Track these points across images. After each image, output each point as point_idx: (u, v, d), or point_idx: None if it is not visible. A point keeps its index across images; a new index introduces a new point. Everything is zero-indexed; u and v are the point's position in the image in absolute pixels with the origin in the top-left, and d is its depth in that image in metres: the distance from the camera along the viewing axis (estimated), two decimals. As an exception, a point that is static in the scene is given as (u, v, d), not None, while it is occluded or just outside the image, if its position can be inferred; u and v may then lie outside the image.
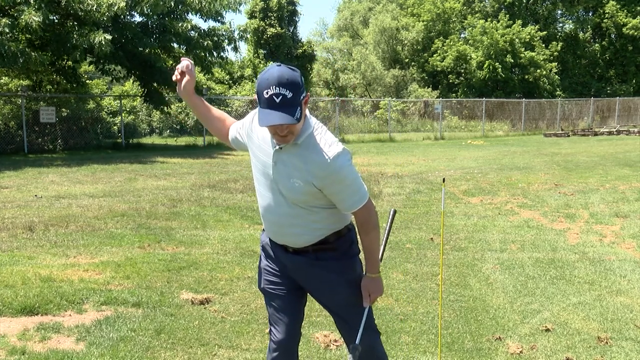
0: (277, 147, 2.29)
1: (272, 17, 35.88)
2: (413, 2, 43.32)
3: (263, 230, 2.63)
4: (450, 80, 39.75)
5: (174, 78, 2.51)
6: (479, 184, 10.89)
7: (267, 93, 2.12)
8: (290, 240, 2.44)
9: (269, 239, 2.56)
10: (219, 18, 20.89)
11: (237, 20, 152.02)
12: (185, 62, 2.49)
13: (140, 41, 18.56)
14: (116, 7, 16.23)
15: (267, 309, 2.62)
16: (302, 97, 2.16)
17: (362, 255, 2.50)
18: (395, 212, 2.81)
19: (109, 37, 16.12)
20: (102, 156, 17.36)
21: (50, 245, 6.12)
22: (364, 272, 2.50)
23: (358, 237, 2.48)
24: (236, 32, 22.10)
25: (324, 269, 2.44)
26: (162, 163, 15.34)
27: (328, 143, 2.27)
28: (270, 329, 2.59)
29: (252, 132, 2.46)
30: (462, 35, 42.04)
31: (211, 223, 7.39)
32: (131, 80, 24.83)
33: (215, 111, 2.67)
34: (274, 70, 2.16)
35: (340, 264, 2.45)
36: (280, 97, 2.10)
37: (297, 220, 2.37)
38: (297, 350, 2.63)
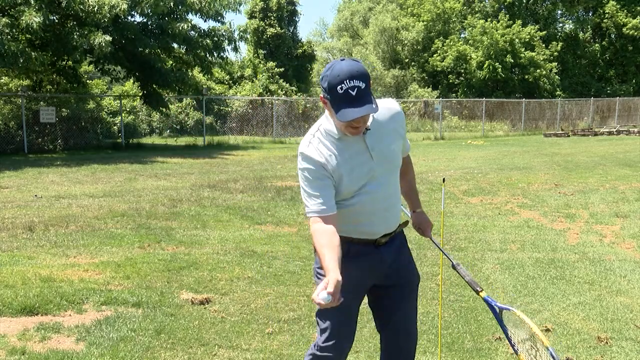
0: (367, 133, 2.31)
1: (272, 17, 35.89)
2: (413, 2, 43.29)
3: (350, 241, 2.41)
4: (450, 80, 39.74)
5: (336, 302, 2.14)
6: (479, 184, 10.89)
7: (341, 89, 2.12)
8: (394, 222, 2.47)
9: (351, 245, 2.41)
10: (219, 18, 20.91)
11: (237, 20, 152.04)
12: (324, 295, 2.08)
13: (140, 41, 18.57)
14: (118, 9, 16.24)
15: (328, 319, 2.45)
16: (370, 85, 2.21)
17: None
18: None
19: (109, 38, 16.13)
20: (102, 156, 17.36)
21: (50, 245, 6.12)
22: (414, 211, 2.73)
23: (400, 182, 2.57)
24: (236, 32, 22.12)
25: (406, 248, 2.58)
26: (162, 163, 15.35)
27: (383, 99, 2.45)
28: (326, 340, 2.46)
29: (324, 157, 2.30)
30: (462, 35, 42.03)
31: (211, 223, 7.40)
32: (131, 81, 24.84)
33: (336, 247, 2.23)
34: (341, 65, 2.16)
35: (407, 244, 2.63)
36: (356, 89, 2.13)
37: (396, 192, 2.48)
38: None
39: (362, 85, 2.13)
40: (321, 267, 2.43)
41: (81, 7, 16.04)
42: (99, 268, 5.30)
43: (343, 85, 2.12)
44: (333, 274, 2.09)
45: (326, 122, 2.34)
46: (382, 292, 2.55)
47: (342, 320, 2.46)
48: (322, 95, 2.25)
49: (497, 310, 2.50)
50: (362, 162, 2.31)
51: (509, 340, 2.47)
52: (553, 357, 2.19)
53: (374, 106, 2.15)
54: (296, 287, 4.86)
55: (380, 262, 2.47)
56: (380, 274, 2.51)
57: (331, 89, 2.14)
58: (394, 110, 2.41)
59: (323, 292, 2.06)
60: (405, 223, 2.59)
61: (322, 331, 2.48)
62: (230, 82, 35.22)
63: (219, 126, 27.33)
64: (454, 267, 2.66)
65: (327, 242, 2.21)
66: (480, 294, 2.52)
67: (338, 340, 2.46)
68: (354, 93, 2.12)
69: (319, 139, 2.33)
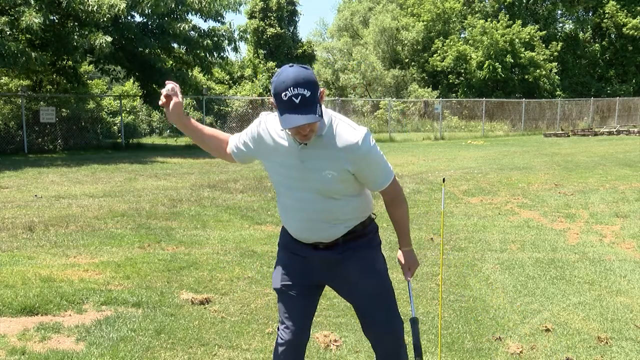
0: (302, 145, 2.28)
1: (272, 17, 35.88)
2: (413, 2, 43.30)
3: (282, 232, 2.60)
4: (450, 80, 39.74)
5: (160, 103, 2.44)
6: (479, 184, 10.89)
7: (285, 95, 2.11)
8: (322, 236, 2.43)
9: (295, 240, 2.52)
10: (219, 18, 20.91)
11: (237, 20, 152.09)
12: (170, 85, 2.42)
13: (140, 42, 18.58)
14: (117, 9, 16.24)
15: (279, 307, 2.61)
16: (319, 93, 2.18)
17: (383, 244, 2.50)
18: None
19: (109, 38, 16.13)
20: (102, 156, 17.36)
21: (50, 245, 6.12)
22: (399, 247, 2.62)
23: (387, 216, 2.57)
24: (236, 33, 22.12)
25: (356, 259, 2.47)
26: (162, 163, 15.35)
27: (352, 127, 2.31)
28: (280, 327, 2.59)
29: (263, 138, 2.42)
30: (462, 35, 42.03)
31: (211, 223, 7.40)
32: (131, 81, 24.85)
33: (207, 129, 2.61)
34: (288, 71, 2.15)
35: (369, 252, 2.51)
36: (300, 97, 2.10)
37: (329, 214, 2.39)
38: (304, 350, 2.65)
39: (307, 93, 2.11)
40: (280, 243, 2.63)
41: (81, 7, 16.05)
42: (99, 268, 5.30)
43: (287, 92, 2.11)
44: (182, 105, 2.47)
45: (271, 114, 2.45)
46: (349, 300, 2.60)
47: (288, 309, 2.56)
48: (271, 99, 2.26)
49: None
50: (287, 165, 2.36)
51: None
52: None
53: (317, 115, 2.12)
54: (296, 287, 4.86)
55: (324, 263, 2.48)
56: (329, 274, 2.52)
57: (276, 94, 2.14)
58: (348, 143, 2.26)
59: (172, 86, 2.43)
60: (364, 231, 2.50)
61: (278, 327, 2.63)
62: (230, 82, 35.23)
63: (219, 126, 27.32)
64: (411, 321, 2.58)
65: (212, 130, 2.61)
66: None
67: (286, 327, 2.55)
68: (297, 100, 2.10)
69: (273, 120, 2.41)
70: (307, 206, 2.38)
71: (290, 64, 2.20)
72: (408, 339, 2.63)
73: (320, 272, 2.52)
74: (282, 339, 2.57)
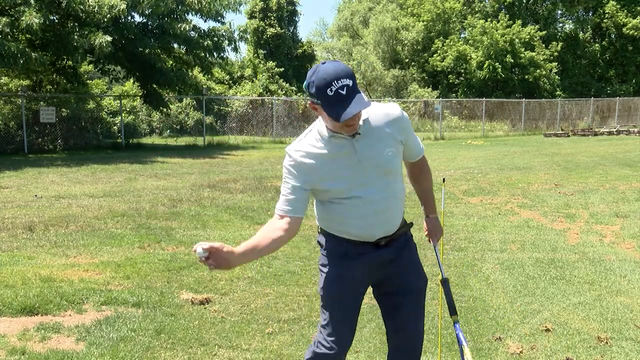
0: (356, 137, 2.31)
1: (272, 17, 35.91)
2: (413, 2, 43.31)
3: (330, 241, 2.48)
4: (450, 80, 39.75)
5: (207, 266, 2.15)
6: (479, 184, 10.89)
7: (331, 90, 2.12)
8: (387, 228, 2.43)
9: (350, 245, 2.44)
10: (219, 18, 20.92)
11: (237, 20, 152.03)
12: (199, 248, 2.09)
13: (140, 42, 18.58)
14: (117, 9, 16.24)
15: (328, 316, 2.49)
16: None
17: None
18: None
19: (109, 38, 16.13)
20: (102, 156, 17.37)
21: (50, 245, 6.12)
22: (426, 215, 2.72)
23: (414, 185, 2.69)
24: (236, 33, 22.12)
25: (410, 251, 2.55)
26: (162, 163, 15.35)
27: (382, 103, 2.43)
28: (325, 338, 2.49)
29: (306, 164, 2.33)
30: (462, 35, 42.04)
31: (211, 223, 7.40)
32: (131, 81, 24.85)
33: (258, 239, 2.28)
34: (326, 67, 2.16)
35: (413, 245, 2.60)
36: (345, 88, 2.13)
37: (391, 198, 2.42)
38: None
39: (350, 82, 2.14)
40: (324, 264, 2.51)
41: (81, 7, 16.05)
42: (99, 268, 5.30)
43: (332, 86, 2.12)
44: (226, 245, 2.15)
45: (319, 125, 2.36)
46: (388, 294, 2.55)
47: (341, 319, 2.49)
48: (311, 102, 2.24)
49: (461, 342, 2.55)
50: (348, 165, 2.32)
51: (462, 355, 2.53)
52: None
53: (365, 100, 2.16)
54: (296, 287, 4.86)
55: (381, 263, 2.47)
56: (380, 274, 2.51)
57: (320, 92, 2.14)
58: (392, 115, 2.37)
59: (201, 245, 2.07)
60: (410, 224, 2.58)
61: (323, 328, 2.51)
62: (230, 82, 35.24)
63: (219, 126, 27.34)
64: (442, 281, 2.68)
65: (259, 234, 2.29)
66: (453, 317, 2.57)
67: (337, 338, 2.48)
68: (344, 92, 2.13)
69: (308, 141, 2.36)
70: (376, 196, 2.37)
71: (323, 61, 2.22)
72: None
73: (376, 273, 2.50)
74: (328, 350, 2.48)
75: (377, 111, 2.37)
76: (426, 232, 2.77)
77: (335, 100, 2.13)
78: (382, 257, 2.47)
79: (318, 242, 2.56)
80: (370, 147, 2.32)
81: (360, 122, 2.29)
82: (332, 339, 2.48)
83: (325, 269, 2.50)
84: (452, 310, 2.58)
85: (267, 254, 2.35)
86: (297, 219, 2.34)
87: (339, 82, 2.12)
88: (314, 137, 2.35)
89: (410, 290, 2.53)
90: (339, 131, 2.26)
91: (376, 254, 2.46)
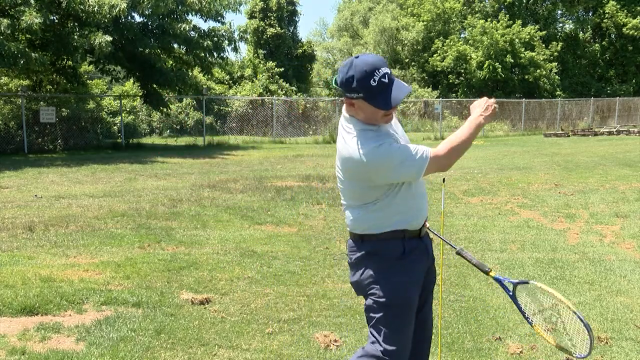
0: (390, 123, 2.36)
1: (272, 17, 35.90)
2: (413, 2, 43.29)
3: (387, 246, 2.38)
4: (450, 80, 39.73)
5: None
6: (479, 184, 10.89)
7: (374, 80, 2.14)
8: (426, 208, 2.49)
9: (405, 242, 2.39)
10: (219, 18, 20.92)
11: (237, 20, 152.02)
12: None
13: (140, 42, 18.58)
14: (117, 9, 16.24)
15: (398, 324, 2.39)
16: None
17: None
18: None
19: (109, 38, 16.13)
20: (102, 156, 17.36)
21: (50, 245, 6.12)
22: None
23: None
24: (236, 33, 22.12)
25: (431, 248, 2.56)
26: (162, 163, 15.35)
27: None
28: (403, 350, 2.41)
29: (388, 132, 2.36)
30: (462, 35, 42.02)
31: (211, 223, 7.39)
32: (131, 81, 24.84)
33: None
34: (364, 60, 2.18)
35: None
36: (387, 75, 2.16)
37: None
38: None
39: (389, 70, 2.18)
40: (384, 271, 2.37)
41: (81, 7, 16.04)
42: (99, 268, 5.30)
43: (374, 76, 2.13)
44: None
45: (358, 124, 2.28)
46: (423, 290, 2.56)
47: (408, 325, 2.41)
48: (349, 97, 2.20)
49: (510, 288, 2.51)
50: (396, 136, 2.39)
51: (523, 314, 2.50)
52: (581, 320, 2.26)
53: (405, 84, 2.21)
54: (296, 287, 4.86)
55: (427, 254, 2.49)
56: (427, 267, 2.52)
57: (364, 84, 2.14)
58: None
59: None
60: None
61: (390, 333, 2.39)
62: (230, 82, 35.23)
63: (219, 126, 27.34)
64: (458, 253, 2.62)
65: (452, 137, 2.35)
66: (490, 274, 2.53)
67: (405, 345, 2.41)
68: (386, 80, 2.15)
69: (369, 135, 2.27)
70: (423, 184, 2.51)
71: (356, 55, 2.23)
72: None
73: (429, 268, 2.53)
74: (401, 355, 2.40)
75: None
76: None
77: (381, 88, 2.14)
78: (427, 248, 2.49)
79: (367, 253, 2.40)
80: (397, 127, 2.41)
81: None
82: (398, 347, 2.38)
83: (390, 276, 2.36)
84: (483, 270, 2.56)
85: None
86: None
87: (380, 71, 2.14)
88: (369, 132, 2.27)
89: (432, 286, 2.58)
90: (377, 123, 2.26)
91: (422, 246, 2.46)
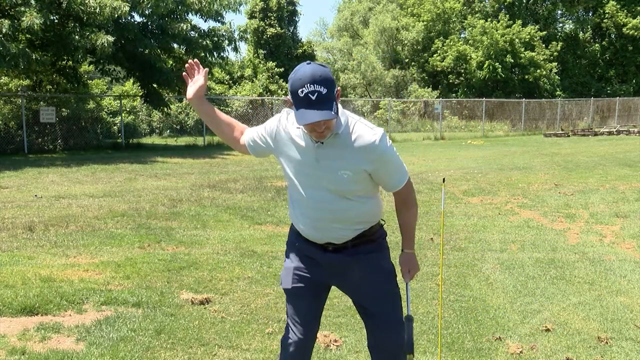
0: (318, 143, 2.28)
1: (272, 17, 35.89)
2: (413, 2, 43.30)
3: (292, 231, 2.61)
4: (450, 80, 39.75)
5: (185, 75, 2.51)
6: (479, 184, 10.89)
7: (302, 92, 2.12)
8: (332, 237, 2.42)
9: (304, 241, 2.52)
10: (219, 18, 20.91)
11: (237, 20, 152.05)
12: (204, 69, 2.54)
13: (140, 42, 18.57)
14: (119, 11, 16.23)
15: (287, 308, 2.61)
16: (335, 92, 2.19)
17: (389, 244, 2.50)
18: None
19: (111, 38, 16.12)
20: (102, 156, 17.36)
21: (50, 245, 6.12)
22: (402, 249, 2.59)
23: (396, 218, 2.57)
24: (236, 33, 22.12)
25: (364, 263, 2.47)
26: (162, 163, 15.35)
27: (369, 126, 2.32)
28: (289, 328, 2.59)
29: (281, 134, 2.43)
30: (462, 35, 42.04)
31: (211, 223, 7.39)
32: (131, 81, 24.83)
33: (224, 116, 2.62)
34: (305, 69, 2.16)
35: (378, 255, 2.51)
36: (316, 94, 2.11)
37: (340, 215, 2.38)
38: (311, 351, 2.67)
39: (324, 90, 2.12)
40: (289, 243, 2.63)
41: (82, 7, 16.03)
42: (99, 268, 5.30)
43: (304, 89, 2.12)
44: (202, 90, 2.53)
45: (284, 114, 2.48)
46: (356, 301, 2.58)
47: (295, 308, 2.57)
48: (288, 97, 2.27)
49: None
50: (306, 163, 2.34)
51: None
52: None
53: (332, 112, 2.13)
54: (296, 287, 4.85)
55: (330, 265, 2.48)
56: (333, 276, 2.52)
57: (293, 91, 2.16)
58: (366, 141, 2.27)
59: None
60: (376, 234, 2.51)
61: (286, 326, 2.64)
62: (230, 82, 35.23)
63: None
64: (407, 318, 2.54)
65: (227, 118, 2.61)
66: (408, 357, 2.49)
67: (294, 327, 2.57)
68: (313, 97, 2.11)
69: (287, 115, 2.43)
70: (319, 205, 2.38)
71: (308, 62, 2.22)
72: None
73: (329, 273, 2.52)
74: (290, 339, 2.57)
75: (357, 131, 2.29)
76: (400, 267, 2.60)
77: (302, 102, 2.14)
78: (331, 260, 2.46)
79: None
80: (327, 160, 2.30)
81: (338, 131, 2.26)
82: (291, 327, 2.58)
83: (285, 262, 2.61)
84: (410, 348, 2.47)
85: (216, 130, 2.60)
86: (244, 147, 2.57)
87: (312, 86, 2.11)
88: (272, 122, 2.49)
89: (377, 297, 2.49)
90: (308, 134, 2.28)
91: (323, 256, 2.47)
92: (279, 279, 2.64)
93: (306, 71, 2.14)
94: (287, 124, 2.41)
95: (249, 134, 2.56)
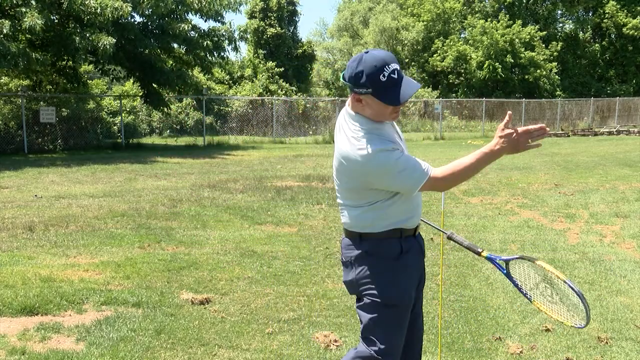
0: (392, 123, 2.39)
1: (272, 17, 35.89)
2: (413, 2, 43.31)
3: (391, 241, 2.35)
4: (450, 80, 39.75)
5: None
6: (479, 184, 10.89)
7: (384, 76, 2.13)
8: (421, 210, 2.48)
9: (402, 241, 2.36)
10: (219, 18, 20.91)
11: (237, 20, 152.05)
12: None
13: (140, 42, 18.57)
14: (120, 12, 16.23)
15: (399, 327, 2.38)
16: None
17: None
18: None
19: (113, 40, 16.12)
20: (102, 156, 17.36)
21: (50, 245, 6.12)
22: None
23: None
24: (236, 33, 22.12)
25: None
26: (162, 163, 15.35)
27: None
28: (395, 351, 2.39)
29: (384, 127, 2.33)
30: (462, 35, 42.05)
31: (211, 223, 7.39)
32: (131, 80, 24.84)
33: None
34: (372, 55, 2.16)
35: None
36: (397, 71, 2.16)
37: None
38: None
39: (398, 66, 2.18)
40: (380, 272, 2.34)
41: (82, 8, 16.03)
42: (99, 268, 5.30)
43: (384, 72, 2.13)
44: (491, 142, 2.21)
45: (365, 124, 2.26)
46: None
47: (403, 326, 2.40)
48: (357, 93, 2.19)
49: (504, 265, 2.50)
50: (400, 144, 2.39)
51: (520, 290, 2.48)
52: (572, 289, 2.23)
53: (414, 80, 2.21)
54: (296, 287, 4.86)
55: (422, 253, 2.49)
56: (422, 266, 2.52)
57: (373, 79, 2.14)
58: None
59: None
60: None
61: (384, 334, 2.37)
62: (230, 82, 35.23)
63: (219, 126, 27.33)
64: (449, 237, 2.63)
65: (457, 162, 2.30)
66: (482, 254, 2.52)
67: (399, 345, 2.40)
68: (396, 76, 2.15)
69: (371, 132, 2.25)
70: None
71: (365, 50, 2.21)
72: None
73: (422, 260, 2.51)
74: (393, 354, 2.39)
75: None
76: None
77: (391, 83, 2.14)
78: (421, 246, 2.49)
79: (364, 252, 2.35)
80: (399, 136, 2.42)
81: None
82: (395, 347, 2.37)
83: (388, 276, 2.34)
84: (475, 251, 2.55)
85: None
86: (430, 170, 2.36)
87: (389, 67, 2.14)
88: (375, 135, 2.25)
89: (423, 284, 2.56)
90: (384, 120, 2.27)
91: (417, 245, 2.45)
92: (387, 297, 2.33)
93: (376, 56, 2.16)
94: (373, 129, 2.27)
95: (429, 166, 2.39)
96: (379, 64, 2.12)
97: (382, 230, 2.33)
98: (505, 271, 2.49)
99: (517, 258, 2.44)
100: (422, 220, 2.59)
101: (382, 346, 2.34)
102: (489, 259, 2.50)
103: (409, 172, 2.24)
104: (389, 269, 2.34)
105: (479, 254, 2.52)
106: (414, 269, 2.41)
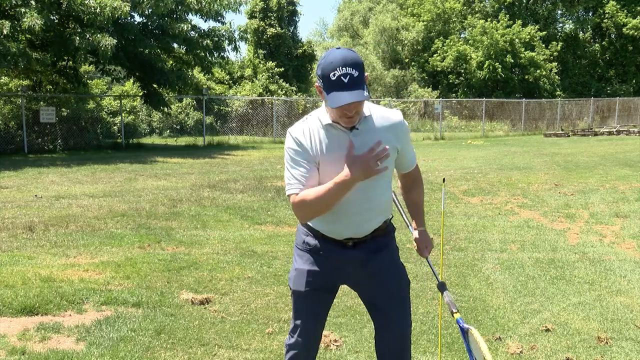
0: (353, 131, 2.30)
1: (272, 17, 35.86)
2: (413, 2, 43.31)
3: (303, 232, 2.52)
4: (450, 80, 39.74)
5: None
6: (479, 184, 10.89)
7: (334, 75, 2.14)
8: (357, 231, 2.42)
9: (321, 240, 2.46)
10: (219, 18, 20.92)
11: (237, 20, 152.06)
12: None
13: (140, 42, 18.57)
14: (119, 12, 16.23)
15: (297, 310, 2.56)
16: (365, 76, 2.21)
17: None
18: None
19: (114, 41, 16.11)
20: (102, 156, 17.36)
21: (50, 245, 6.12)
22: (415, 228, 2.67)
23: (405, 197, 2.66)
24: (236, 33, 22.12)
25: (380, 258, 2.49)
26: (162, 163, 15.35)
27: (384, 107, 2.46)
28: (297, 330, 2.56)
29: (315, 142, 2.33)
30: (462, 35, 42.04)
31: (211, 223, 7.39)
32: (131, 80, 24.84)
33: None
34: (336, 53, 2.18)
35: (391, 250, 2.56)
36: (348, 76, 2.14)
37: (368, 204, 2.39)
38: (316, 352, 2.71)
39: (355, 73, 2.15)
40: (295, 258, 2.54)
41: (82, 8, 16.03)
42: (99, 268, 5.30)
43: (336, 72, 2.14)
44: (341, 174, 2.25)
45: (321, 111, 2.37)
46: (370, 297, 2.55)
47: (309, 311, 2.54)
48: (317, 84, 2.26)
49: (464, 331, 2.52)
50: (341, 158, 2.28)
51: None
52: None
53: (365, 94, 2.15)
54: (296, 287, 4.85)
55: (349, 263, 2.47)
56: (350, 275, 2.51)
57: (324, 75, 2.16)
58: (393, 120, 2.39)
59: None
60: (389, 229, 2.56)
61: (292, 329, 2.60)
62: (230, 82, 35.21)
63: (219, 126, 27.33)
64: (439, 286, 2.66)
65: (313, 190, 2.28)
66: (455, 315, 2.52)
67: (301, 332, 2.55)
68: (346, 80, 2.13)
69: (309, 124, 2.36)
70: (359, 196, 2.35)
71: (337, 47, 2.24)
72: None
73: (344, 273, 2.51)
74: (297, 342, 2.57)
75: (380, 113, 2.39)
76: (415, 246, 2.68)
77: (335, 85, 2.15)
78: (350, 257, 2.45)
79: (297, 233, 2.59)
80: (367, 145, 2.28)
81: (367, 114, 2.31)
82: (299, 330, 2.56)
83: (296, 263, 2.54)
84: (452, 307, 2.56)
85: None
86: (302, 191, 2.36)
87: (344, 69, 2.14)
88: (314, 123, 2.35)
89: (392, 292, 2.52)
90: (338, 121, 2.27)
91: (342, 253, 2.45)
92: (288, 280, 2.59)
93: (337, 55, 2.17)
94: (317, 123, 2.35)
95: (298, 185, 2.32)
96: (336, 62, 2.14)
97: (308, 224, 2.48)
98: (465, 339, 2.54)
99: (471, 328, 2.45)
100: (427, 261, 2.70)
101: (290, 332, 2.62)
102: (458, 322, 2.55)
103: (287, 174, 2.35)
104: (298, 256, 2.53)
105: (452, 313, 2.54)
106: (319, 263, 2.47)
